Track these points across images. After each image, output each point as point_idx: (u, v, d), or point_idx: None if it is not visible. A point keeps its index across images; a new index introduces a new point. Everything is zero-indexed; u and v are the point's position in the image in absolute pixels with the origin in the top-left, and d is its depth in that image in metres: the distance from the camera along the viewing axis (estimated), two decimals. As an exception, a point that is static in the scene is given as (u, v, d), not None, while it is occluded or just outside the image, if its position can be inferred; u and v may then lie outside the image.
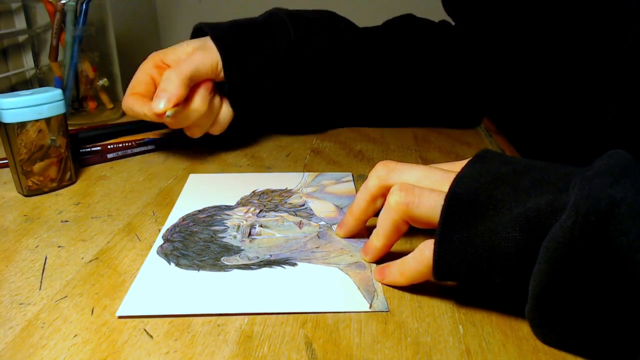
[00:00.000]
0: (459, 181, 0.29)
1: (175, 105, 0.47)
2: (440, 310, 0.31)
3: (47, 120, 0.45)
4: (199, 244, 0.37)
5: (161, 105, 0.47)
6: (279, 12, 0.57)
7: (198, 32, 0.56)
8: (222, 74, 0.52)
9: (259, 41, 0.54)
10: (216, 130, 0.54)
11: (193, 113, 0.50)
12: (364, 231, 0.39)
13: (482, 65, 0.61)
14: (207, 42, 0.52)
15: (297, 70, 0.56)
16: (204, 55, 0.51)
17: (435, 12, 0.67)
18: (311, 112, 0.60)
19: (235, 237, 0.38)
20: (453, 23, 0.65)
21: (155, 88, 0.51)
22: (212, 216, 0.41)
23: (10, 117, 0.43)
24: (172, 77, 0.48)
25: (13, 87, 0.75)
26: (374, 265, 0.35)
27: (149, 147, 0.57)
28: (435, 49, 0.60)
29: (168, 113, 0.47)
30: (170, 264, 0.35)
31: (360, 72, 0.58)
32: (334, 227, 0.40)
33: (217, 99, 0.53)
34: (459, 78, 0.60)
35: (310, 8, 0.58)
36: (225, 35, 0.52)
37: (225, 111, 0.54)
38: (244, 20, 0.55)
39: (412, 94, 0.60)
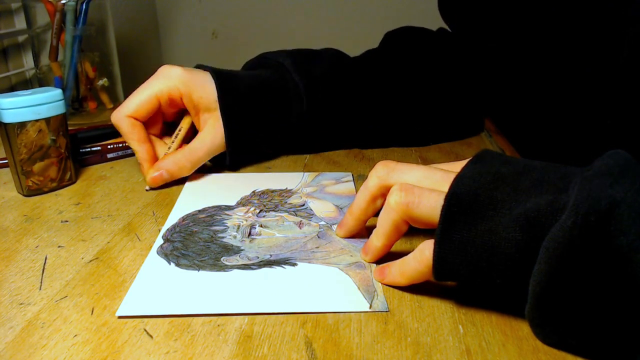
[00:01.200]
0: (459, 181, 0.29)
1: None
2: (440, 310, 0.31)
3: (47, 120, 0.45)
4: (199, 244, 0.37)
5: (153, 183, 0.47)
6: (291, 73, 0.53)
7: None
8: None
9: (269, 114, 0.52)
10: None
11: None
12: (364, 231, 0.39)
13: (482, 71, 0.60)
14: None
15: (307, 135, 0.55)
16: (218, 134, 0.49)
17: (434, 19, 0.67)
18: (317, 151, 0.58)
19: (235, 237, 0.38)
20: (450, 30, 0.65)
21: (158, 116, 0.49)
22: (212, 216, 0.41)
23: (10, 117, 0.43)
24: (186, 165, 0.48)
25: (13, 87, 0.75)
26: (374, 265, 0.35)
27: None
28: (437, 66, 0.59)
29: (147, 188, 0.47)
30: (170, 264, 0.35)
31: (366, 107, 0.56)
32: (334, 227, 0.40)
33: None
34: (463, 88, 0.60)
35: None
36: (233, 106, 0.49)
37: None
38: (256, 79, 0.52)
39: (422, 114, 0.58)
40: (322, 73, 0.54)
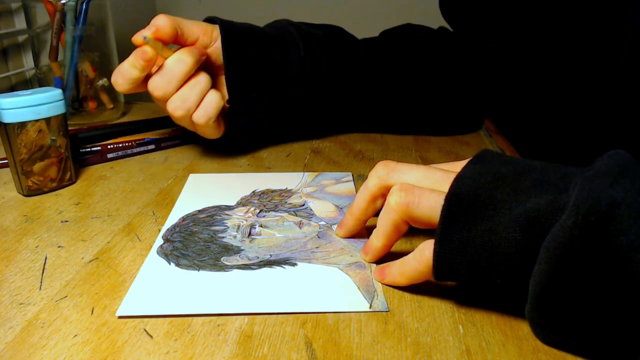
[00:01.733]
0: (459, 181, 0.29)
1: (157, 39, 0.45)
2: (440, 310, 0.31)
3: (47, 120, 0.45)
4: (199, 244, 0.37)
5: (145, 33, 0.45)
6: (289, 27, 0.55)
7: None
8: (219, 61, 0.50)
9: (269, 57, 0.52)
10: (200, 117, 0.47)
11: (177, 64, 0.46)
12: (363, 231, 0.39)
13: (482, 70, 0.60)
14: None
15: (304, 89, 0.55)
16: (215, 41, 0.49)
17: (435, 18, 0.67)
18: (312, 126, 0.59)
19: (235, 237, 0.38)
20: (451, 29, 0.65)
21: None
22: (212, 216, 0.41)
23: (10, 117, 0.43)
24: (163, 17, 0.46)
25: (13, 87, 0.75)
26: (374, 265, 0.35)
27: (149, 147, 0.57)
28: (436, 57, 0.59)
29: (146, 35, 0.45)
30: (170, 264, 0.35)
31: (364, 86, 0.57)
32: (334, 227, 0.40)
33: (204, 76, 0.48)
34: (461, 84, 0.60)
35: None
36: (235, 39, 0.50)
37: (213, 98, 0.48)
38: (257, 29, 0.53)
39: (418, 102, 0.59)
40: (319, 34, 0.56)
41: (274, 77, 0.52)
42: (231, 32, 0.50)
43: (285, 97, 0.54)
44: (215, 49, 0.50)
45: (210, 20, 0.52)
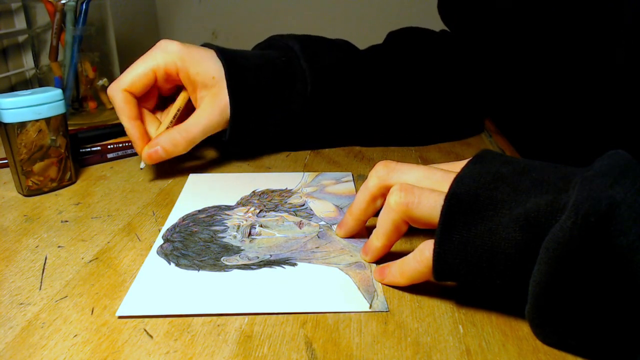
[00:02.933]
0: (459, 181, 0.29)
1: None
2: (440, 310, 0.31)
3: (47, 120, 0.45)
4: (199, 244, 0.37)
5: (149, 159, 0.47)
6: (300, 58, 0.52)
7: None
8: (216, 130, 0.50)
9: (274, 94, 0.51)
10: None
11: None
12: (363, 231, 0.39)
13: (482, 73, 0.60)
14: (222, 82, 0.48)
15: (308, 123, 0.54)
16: (219, 118, 0.48)
17: (434, 19, 0.67)
18: (317, 147, 0.58)
19: (235, 237, 0.38)
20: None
21: (154, 90, 0.49)
22: (212, 216, 0.41)
23: (10, 117, 0.43)
24: (181, 143, 0.47)
25: (13, 87, 0.75)
26: (374, 265, 0.35)
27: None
28: (443, 66, 0.59)
29: (142, 166, 0.48)
30: (170, 264, 0.35)
31: (371, 106, 0.56)
32: (334, 227, 0.40)
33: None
34: (465, 89, 0.60)
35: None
36: (241, 83, 0.49)
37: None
38: (263, 59, 0.51)
39: (427, 115, 0.58)
40: (330, 63, 0.53)
41: (278, 113, 0.52)
42: (236, 70, 0.49)
43: (285, 129, 0.54)
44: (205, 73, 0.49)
45: (207, 45, 0.52)
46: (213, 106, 0.48)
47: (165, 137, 0.47)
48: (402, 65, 0.57)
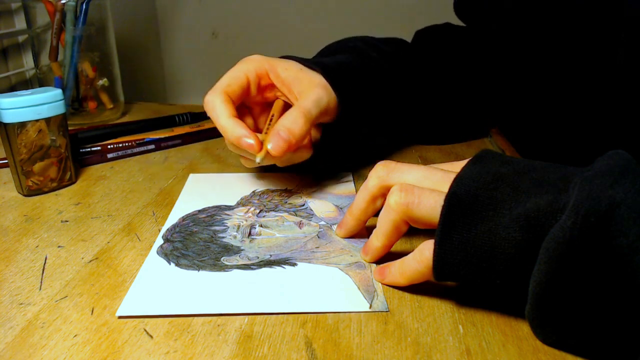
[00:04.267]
0: (459, 181, 0.29)
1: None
2: (440, 310, 0.31)
3: (47, 120, 0.45)
4: (199, 244, 0.37)
5: (279, 148, 0.40)
6: (365, 49, 0.53)
7: None
8: (328, 117, 0.47)
9: (364, 85, 0.50)
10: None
11: (297, 158, 0.45)
12: (364, 231, 0.39)
13: (495, 73, 0.61)
14: (315, 76, 0.46)
15: (390, 100, 0.54)
16: (327, 96, 0.45)
17: (440, 14, 0.67)
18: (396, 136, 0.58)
19: (235, 237, 0.38)
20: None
21: (246, 95, 0.46)
22: (212, 216, 0.41)
23: (10, 117, 0.43)
24: (299, 119, 0.42)
25: (13, 87, 0.75)
26: (374, 265, 0.35)
27: (149, 147, 0.57)
28: (468, 65, 0.60)
29: (259, 160, 0.41)
30: (170, 264, 0.35)
31: (414, 91, 0.56)
32: (334, 227, 0.40)
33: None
34: (481, 87, 0.60)
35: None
36: (338, 78, 0.47)
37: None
38: (342, 60, 0.50)
39: (444, 113, 0.59)
40: (392, 50, 0.55)
41: (372, 99, 0.52)
42: (333, 74, 0.47)
43: (378, 110, 0.53)
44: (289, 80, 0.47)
45: (288, 57, 0.50)
46: (312, 85, 0.45)
47: (282, 121, 0.42)
48: (429, 68, 0.58)
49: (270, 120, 0.46)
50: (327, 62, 0.48)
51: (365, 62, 0.52)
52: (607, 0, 0.45)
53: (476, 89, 0.60)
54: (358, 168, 0.52)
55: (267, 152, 0.40)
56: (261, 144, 0.41)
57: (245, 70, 0.46)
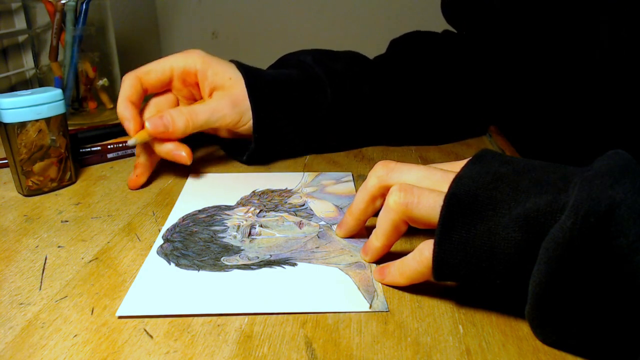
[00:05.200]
0: (459, 181, 0.29)
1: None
2: (440, 310, 0.31)
3: (47, 120, 0.45)
4: (199, 244, 0.37)
5: (155, 127, 0.45)
6: (315, 67, 0.53)
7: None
8: (241, 128, 0.49)
9: (297, 104, 0.51)
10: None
11: (176, 157, 0.47)
12: (363, 231, 0.39)
13: (486, 72, 0.60)
14: (241, 91, 0.48)
15: (331, 129, 0.54)
16: (230, 110, 0.48)
17: (434, 19, 0.67)
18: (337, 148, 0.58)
19: (235, 237, 0.38)
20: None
21: (165, 86, 0.49)
22: (212, 216, 0.41)
23: (10, 117, 0.43)
24: (181, 120, 0.46)
25: (13, 87, 0.75)
26: (374, 265, 0.35)
27: (149, 147, 0.57)
28: (448, 67, 0.59)
29: (131, 142, 0.45)
30: (170, 264, 0.35)
31: (384, 109, 0.56)
32: (334, 227, 0.40)
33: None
34: (469, 88, 0.60)
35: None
36: (261, 93, 0.49)
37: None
38: (282, 75, 0.52)
39: (433, 113, 0.59)
40: (342, 68, 0.54)
41: (302, 123, 0.52)
42: (257, 86, 0.49)
43: (311, 136, 0.54)
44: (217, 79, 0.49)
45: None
46: (224, 97, 0.48)
47: (174, 109, 0.46)
48: (408, 69, 0.58)
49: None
50: (265, 76, 0.50)
51: (309, 78, 0.52)
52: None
53: (464, 90, 0.60)
54: (358, 168, 0.52)
55: (145, 132, 0.45)
56: (140, 129, 0.46)
57: (174, 63, 0.48)
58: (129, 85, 0.47)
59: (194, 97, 0.51)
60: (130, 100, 0.46)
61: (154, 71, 0.48)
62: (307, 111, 0.52)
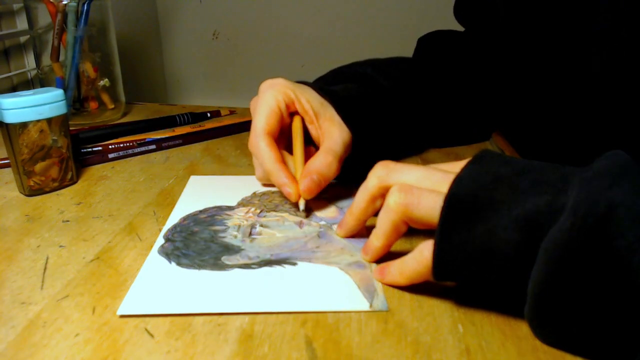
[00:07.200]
0: (459, 182, 0.29)
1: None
2: (440, 310, 0.31)
3: (49, 121, 0.45)
4: (199, 244, 0.37)
5: (309, 192, 0.42)
6: (367, 71, 0.54)
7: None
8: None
9: (374, 117, 0.51)
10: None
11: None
12: (364, 231, 0.39)
13: (494, 75, 0.61)
14: (335, 116, 0.46)
15: (400, 122, 0.55)
16: (347, 134, 0.46)
17: (434, 19, 0.67)
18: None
19: (235, 236, 0.38)
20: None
21: (282, 126, 0.46)
22: (212, 216, 0.41)
23: (12, 117, 0.43)
24: (332, 161, 0.43)
25: (15, 87, 0.75)
26: (374, 264, 0.35)
27: (150, 147, 0.57)
28: (469, 71, 0.60)
29: (302, 207, 0.42)
30: (171, 263, 0.35)
31: (422, 104, 0.57)
32: (334, 227, 0.40)
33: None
34: (483, 91, 0.61)
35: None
36: (351, 113, 0.47)
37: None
38: (353, 91, 0.51)
39: (452, 121, 0.60)
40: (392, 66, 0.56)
41: (380, 123, 0.52)
42: (346, 109, 0.48)
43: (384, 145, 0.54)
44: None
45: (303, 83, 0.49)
46: (333, 123, 0.46)
47: (311, 162, 0.43)
48: (434, 79, 0.59)
49: (301, 142, 0.46)
50: (340, 94, 0.48)
51: (376, 91, 0.52)
52: (577, 16, 0.45)
53: (480, 95, 0.60)
54: (358, 168, 0.52)
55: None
56: (299, 192, 0.42)
57: (277, 101, 0.45)
58: (267, 147, 0.43)
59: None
60: (279, 162, 0.43)
61: (271, 120, 0.44)
62: (383, 123, 0.52)
